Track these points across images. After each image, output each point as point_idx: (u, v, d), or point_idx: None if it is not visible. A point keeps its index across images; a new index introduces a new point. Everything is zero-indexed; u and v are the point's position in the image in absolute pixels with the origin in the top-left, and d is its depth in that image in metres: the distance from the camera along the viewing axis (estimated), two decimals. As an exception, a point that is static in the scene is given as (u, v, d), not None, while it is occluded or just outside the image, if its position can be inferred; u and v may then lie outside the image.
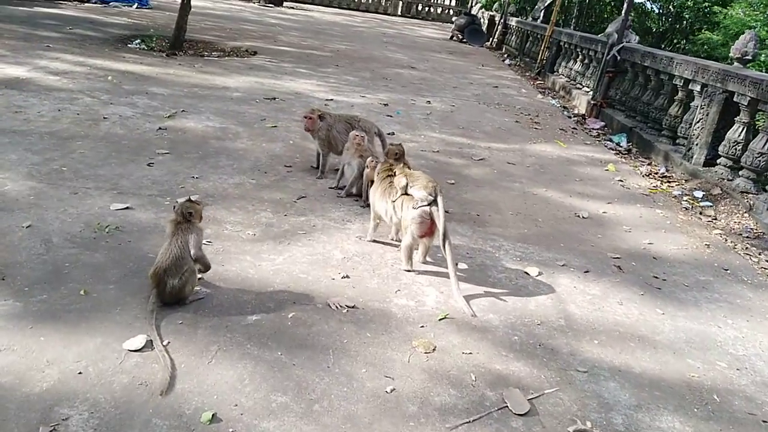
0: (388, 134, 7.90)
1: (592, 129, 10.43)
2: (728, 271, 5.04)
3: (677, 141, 8.57)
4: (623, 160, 8.49)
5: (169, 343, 3.12)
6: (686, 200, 6.87)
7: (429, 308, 3.80)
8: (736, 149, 7.12)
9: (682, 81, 8.51)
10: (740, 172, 6.97)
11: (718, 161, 7.40)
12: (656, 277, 4.73)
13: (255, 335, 3.27)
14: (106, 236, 4.15)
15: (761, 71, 11.61)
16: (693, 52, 17.88)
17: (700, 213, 6.49)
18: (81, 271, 3.67)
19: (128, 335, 3.13)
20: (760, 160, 6.68)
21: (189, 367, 2.96)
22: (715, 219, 6.35)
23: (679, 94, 8.73)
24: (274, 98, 9.12)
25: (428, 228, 4.12)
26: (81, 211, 4.48)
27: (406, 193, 4.24)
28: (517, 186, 6.61)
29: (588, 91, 12.30)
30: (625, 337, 3.79)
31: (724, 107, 7.50)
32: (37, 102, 7.17)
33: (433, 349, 3.35)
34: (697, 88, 8.08)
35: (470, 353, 3.37)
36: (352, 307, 3.66)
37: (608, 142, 9.45)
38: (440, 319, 3.67)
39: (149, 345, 3.07)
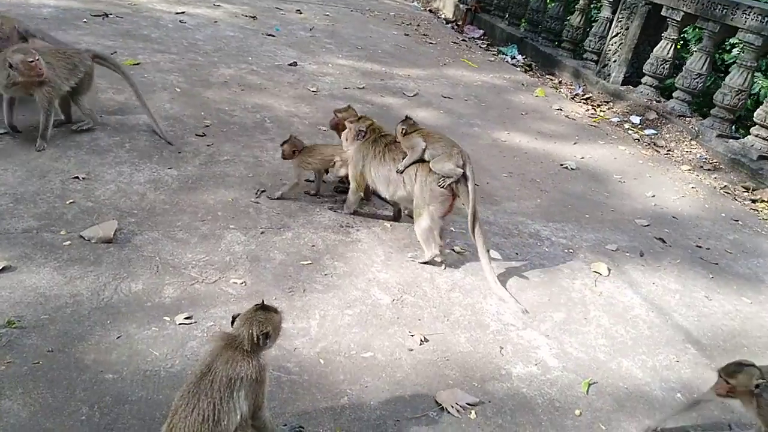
0: (289, 65, 6.15)
1: (474, 39, 9.55)
2: (739, 222, 4.70)
3: (584, 56, 8.07)
4: (534, 79, 7.79)
5: None
6: (629, 128, 6.45)
7: (557, 372, 2.71)
8: (663, 68, 6.78)
9: (587, -12, 7.90)
10: (674, 94, 6.68)
11: (642, 80, 7.04)
12: (699, 247, 4.17)
13: None
14: (8, 347, 2.23)
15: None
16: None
17: (655, 145, 6.10)
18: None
19: None
20: (698, 82, 6.41)
21: None
22: (670, 151, 6.02)
23: (581, 2, 8.13)
24: (106, 15, 6.55)
25: (450, 206, 3.21)
26: None
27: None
28: (477, 131, 5.53)
29: (453, -8, 11.24)
30: (757, 354, 3.14)
31: (645, 21, 7.07)
32: None
33: (627, 457, 2.33)
34: (611, -2, 7.52)
35: (665, 447, 2.42)
36: (477, 404, 2.42)
37: (505, 57, 8.67)
38: (587, 391, 2.62)
39: None
